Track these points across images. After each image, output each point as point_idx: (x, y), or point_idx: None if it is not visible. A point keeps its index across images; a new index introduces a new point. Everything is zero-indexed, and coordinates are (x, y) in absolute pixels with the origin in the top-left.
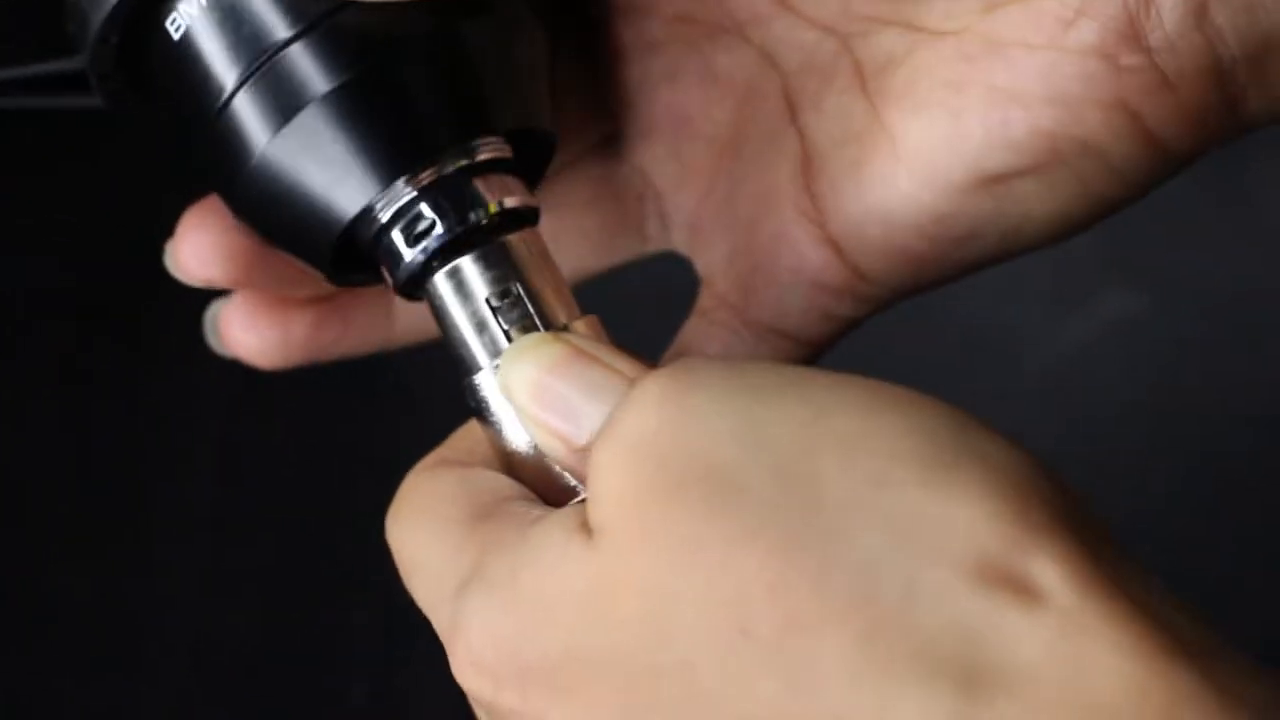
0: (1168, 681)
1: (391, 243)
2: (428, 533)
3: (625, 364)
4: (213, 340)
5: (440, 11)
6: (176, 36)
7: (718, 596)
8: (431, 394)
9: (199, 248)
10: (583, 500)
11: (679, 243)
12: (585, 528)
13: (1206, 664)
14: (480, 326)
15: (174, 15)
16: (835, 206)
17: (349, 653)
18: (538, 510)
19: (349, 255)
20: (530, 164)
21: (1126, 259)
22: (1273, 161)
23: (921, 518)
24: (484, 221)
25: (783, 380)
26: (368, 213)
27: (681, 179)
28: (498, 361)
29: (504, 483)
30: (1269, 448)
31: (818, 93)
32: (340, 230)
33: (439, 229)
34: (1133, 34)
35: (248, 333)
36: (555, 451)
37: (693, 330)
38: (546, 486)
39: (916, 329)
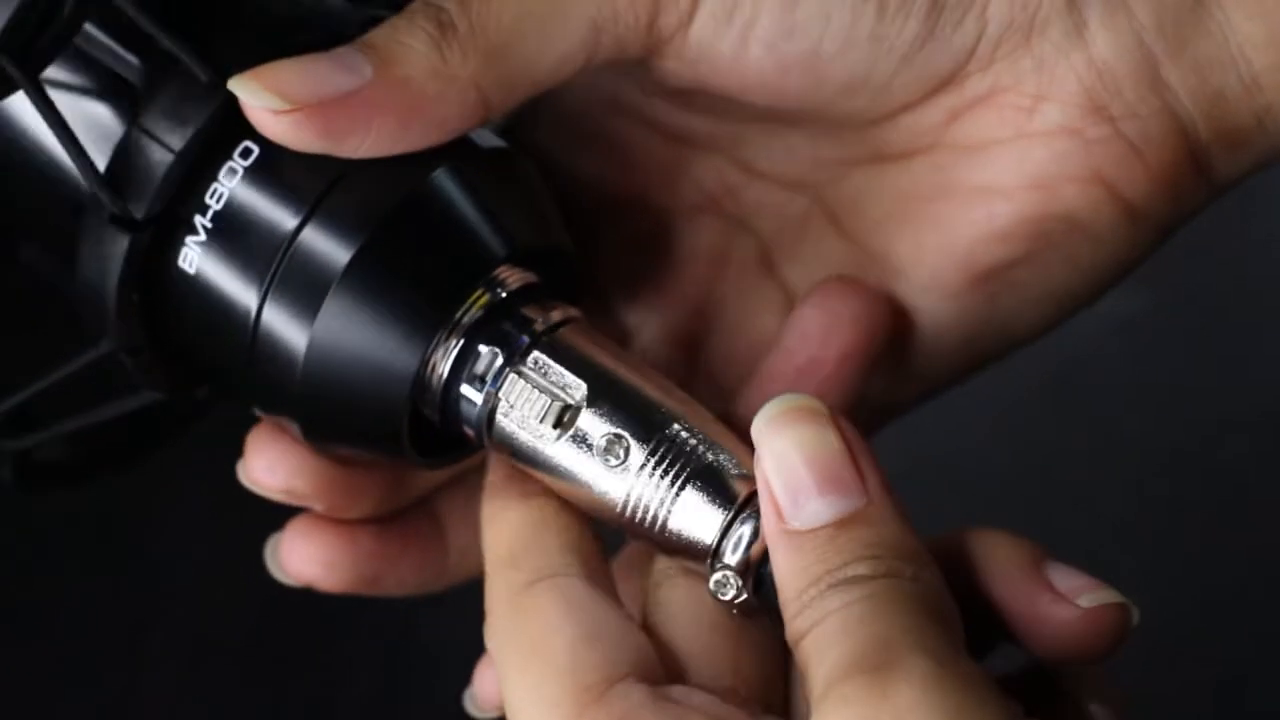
0: None
1: (461, 394)
2: (539, 697)
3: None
4: (276, 571)
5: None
6: (191, 271)
7: None
8: None
9: (271, 461)
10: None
11: None
12: None
13: None
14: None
15: (183, 251)
16: None
17: (349, 652)
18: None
19: (426, 438)
20: (562, 283)
21: None
22: (1274, 166)
23: None
24: (539, 330)
25: None
26: (426, 371)
27: (664, 339)
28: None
29: (611, 645)
30: (1270, 449)
31: (794, 246)
32: (407, 392)
33: (499, 359)
34: (1094, 107)
35: (316, 553)
36: (764, 517)
37: None
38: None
39: None
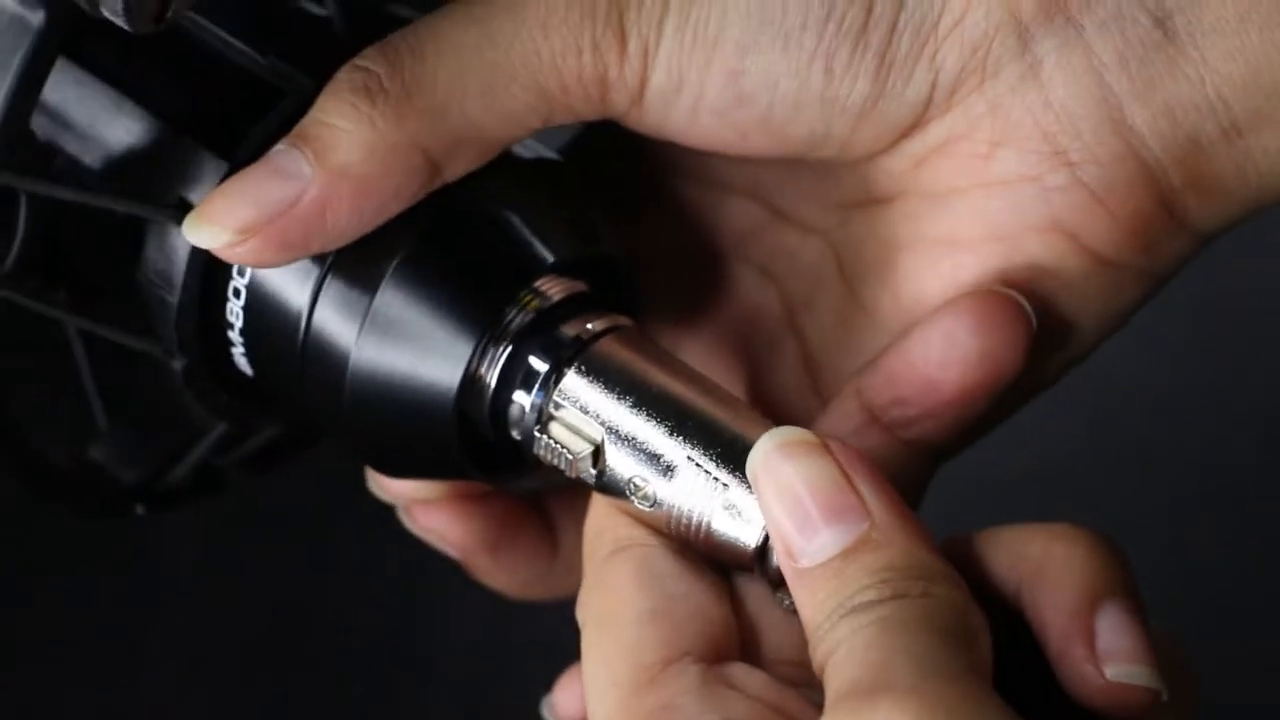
0: None
1: (513, 402)
2: (603, 673)
3: (876, 497)
4: (408, 522)
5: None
6: (250, 372)
7: None
8: None
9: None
10: None
11: None
12: None
13: None
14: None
15: (234, 356)
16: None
17: (349, 653)
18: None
19: (484, 459)
20: (621, 294)
21: None
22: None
23: None
24: (585, 339)
25: None
26: (474, 375)
27: (706, 363)
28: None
29: (676, 621)
30: (1270, 448)
31: (809, 294)
32: (453, 401)
33: (530, 411)
34: (1052, 152)
35: (443, 522)
36: (778, 556)
37: None
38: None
39: None
